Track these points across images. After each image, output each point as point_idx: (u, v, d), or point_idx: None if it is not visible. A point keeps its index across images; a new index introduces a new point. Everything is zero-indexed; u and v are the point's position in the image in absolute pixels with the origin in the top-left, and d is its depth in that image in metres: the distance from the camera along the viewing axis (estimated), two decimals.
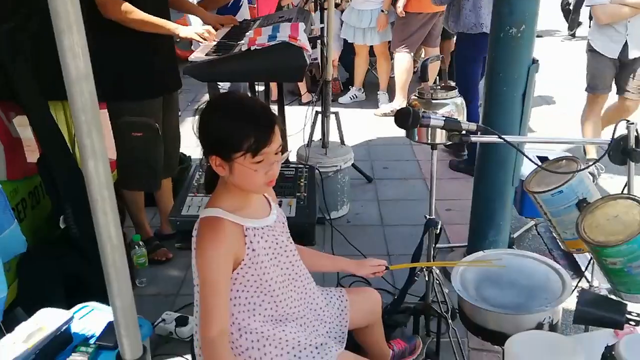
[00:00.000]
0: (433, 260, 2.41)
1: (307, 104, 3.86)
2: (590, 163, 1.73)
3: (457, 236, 3.41)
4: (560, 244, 1.97)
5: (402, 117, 1.71)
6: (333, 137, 3.88)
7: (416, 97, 2.19)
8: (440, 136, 2.06)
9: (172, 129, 3.24)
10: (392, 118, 5.01)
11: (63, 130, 2.92)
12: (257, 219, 1.65)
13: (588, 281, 2.12)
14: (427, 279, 2.42)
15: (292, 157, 3.77)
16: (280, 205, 2.44)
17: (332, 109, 3.91)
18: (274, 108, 3.42)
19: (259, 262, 1.61)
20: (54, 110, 2.89)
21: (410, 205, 3.86)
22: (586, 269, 1.87)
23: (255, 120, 1.52)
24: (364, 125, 5.41)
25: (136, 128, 2.98)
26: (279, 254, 1.69)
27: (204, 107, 1.59)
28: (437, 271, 2.44)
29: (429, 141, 2.09)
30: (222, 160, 1.54)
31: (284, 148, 3.24)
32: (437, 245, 3.19)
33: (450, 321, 2.39)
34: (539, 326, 1.80)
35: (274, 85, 4.19)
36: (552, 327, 1.85)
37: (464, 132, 1.69)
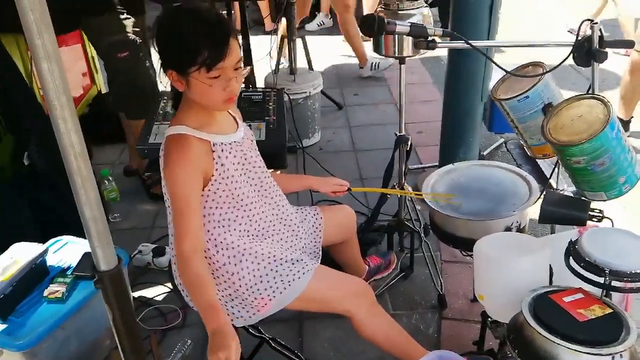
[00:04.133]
0: (404, 178, 2.44)
1: (271, 32, 3.76)
2: (555, 66, 1.73)
3: (429, 157, 3.45)
4: (527, 151, 2.00)
5: (367, 24, 1.68)
6: (301, 63, 3.82)
7: (382, 9, 2.14)
8: (408, 48, 2.04)
9: None
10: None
11: (18, 65, 2.81)
12: (224, 134, 1.63)
13: (553, 188, 2.18)
14: (399, 196, 2.47)
15: (260, 85, 3.71)
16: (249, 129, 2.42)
17: (301, 35, 3.83)
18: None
19: (229, 177, 1.60)
20: (7, 45, 2.77)
21: (382, 130, 3.87)
22: (551, 174, 1.92)
23: (209, 32, 1.46)
24: (332, 52, 5.32)
25: (119, 48, 2.89)
26: (248, 170, 1.68)
27: (159, 19, 1.52)
28: (409, 189, 2.48)
29: (396, 54, 2.06)
30: (178, 75, 1.50)
31: (246, 63, 3.19)
32: (410, 167, 3.26)
33: (423, 236, 2.46)
34: (507, 230, 1.86)
35: (237, 13, 4.05)
36: (520, 231, 1.92)
37: (430, 38, 1.67)
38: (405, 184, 2.44)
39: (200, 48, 1.44)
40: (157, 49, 1.52)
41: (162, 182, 1.61)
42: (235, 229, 1.67)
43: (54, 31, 0.91)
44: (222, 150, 1.59)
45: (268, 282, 1.67)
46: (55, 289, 1.99)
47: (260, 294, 1.67)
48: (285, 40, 3.70)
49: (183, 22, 1.49)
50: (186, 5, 1.52)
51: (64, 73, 0.95)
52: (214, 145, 1.58)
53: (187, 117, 1.58)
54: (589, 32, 1.67)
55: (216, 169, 1.58)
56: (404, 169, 2.39)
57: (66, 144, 0.98)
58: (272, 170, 2.49)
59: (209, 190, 1.60)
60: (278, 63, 3.65)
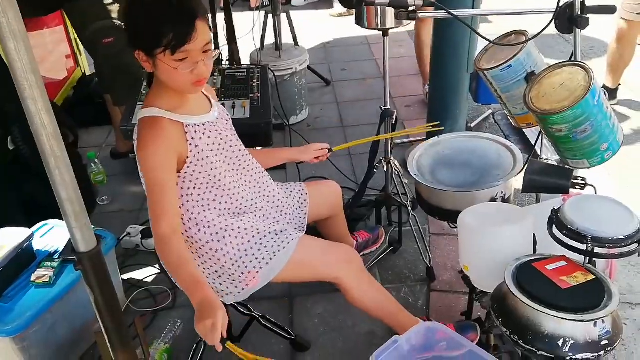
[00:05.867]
0: (391, 152, 2.44)
1: (257, 8, 3.70)
2: (536, 33, 1.71)
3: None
4: (511, 120, 2.00)
5: None
6: (287, 40, 3.78)
7: None
8: (391, 20, 2.01)
9: None
10: (349, 18, 4.84)
11: None
12: (197, 115, 1.61)
13: (538, 156, 2.18)
14: (385, 170, 2.46)
15: (246, 62, 3.67)
16: (233, 107, 2.40)
17: (285, 10, 3.77)
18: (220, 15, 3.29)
19: (204, 158, 1.59)
20: None
21: (370, 105, 3.85)
22: (535, 143, 1.92)
23: (175, 14, 1.43)
24: (319, 26, 5.26)
25: (105, 34, 2.85)
26: (224, 149, 1.67)
27: (129, 1, 1.50)
28: (396, 163, 2.47)
29: (379, 26, 2.04)
30: (145, 55, 1.48)
31: (230, 40, 3.17)
32: (397, 141, 3.25)
33: (410, 210, 2.46)
34: (492, 201, 1.87)
35: None
36: (505, 201, 1.92)
37: (411, 8, 1.65)
38: (392, 158, 2.43)
39: (164, 30, 1.41)
40: (126, 29, 1.50)
41: (138, 165, 1.59)
42: (215, 208, 1.66)
43: (18, 11, 0.89)
44: (196, 132, 1.58)
45: (253, 254, 1.68)
46: (43, 273, 1.99)
47: (247, 267, 1.67)
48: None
49: (150, 3, 1.46)
50: None
51: (32, 51, 0.92)
52: (186, 126, 1.56)
53: (158, 98, 1.56)
54: None
55: (190, 151, 1.57)
56: (390, 143, 2.39)
57: (38, 125, 0.96)
58: (260, 147, 2.49)
59: (185, 172, 1.59)
60: (263, 39, 3.61)
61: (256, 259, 1.67)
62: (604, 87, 3.61)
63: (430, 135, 2.91)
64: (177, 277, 1.50)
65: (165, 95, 1.56)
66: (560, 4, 1.65)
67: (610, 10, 1.70)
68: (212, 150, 1.62)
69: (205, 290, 1.39)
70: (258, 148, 2.32)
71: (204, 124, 1.61)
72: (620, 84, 3.62)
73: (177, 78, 1.49)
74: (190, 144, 1.56)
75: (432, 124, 2.13)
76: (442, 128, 2.09)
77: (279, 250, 1.68)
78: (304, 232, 1.88)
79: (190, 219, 1.64)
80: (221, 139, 1.66)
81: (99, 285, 1.14)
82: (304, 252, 1.72)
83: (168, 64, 1.45)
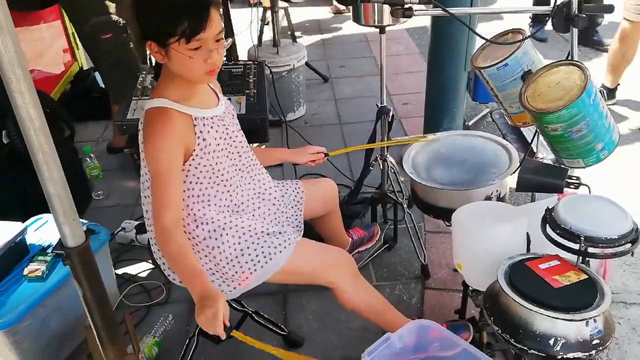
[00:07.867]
0: (387, 150, 2.43)
1: (255, 4, 3.69)
2: (534, 31, 1.70)
3: (414, 128, 3.44)
4: (507, 119, 1.99)
5: None
6: (285, 36, 3.77)
7: None
8: (388, 17, 2.00)
9: None
10: (348, 14, 4.82)
11: None
12: (205, 109, 1.60)
13: (534, 155, 2.17)
14: (381, 167, 2.45)
15: (244, 57, 3.66)
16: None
17: (283, 6, 3.76)
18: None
19: (210, 152, 1.58)
20: None
21: (368, 102, 3.83)
22: (532, 141, 1.90)
23: (189, 2, 1.42)
24: (319, 23, 5.25)
25: (104, 29, 2.85)
26: (229, 145, 1.66)
27: None
28: (392, 160, 2.46)
29: (376, 23, 2.03)
30: (157, 46, 1.47)
31: (227, 35, 3.16)
32: (394, 139, 3.24)
33: (406, 207, 2.45)
34: (487, 199, 1.86)
35: None
36: (500, 200, 1.92)
37: (407, 5, 1.64)
38: (388, 155, 2.43)
39: (179, 18, 1.40)
40: (136, 20, 1.49)
41: (141, 156, 1.59)
42: (215, 204, 1.65)
43: (6, 7, 0.88)
44: (204, 125, 1.57)
45: (249, 255, 1.67)
46: (36, 267, 1.98)
47: (242, 267, 1.66)
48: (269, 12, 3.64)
49: None
50: None
51: (19, 45, 0.92)
52: (195, 119, 1.55)
53: (167, 89, 1.55)
54: None
55: (198, 144, 1.55)
56: (386, 141, 2.38)
57: (25, 119, 0.96)
58: (257, 144, 2.48)
59: (190, 165, 1.58)
60: (261, 36, 3.59)
61: (252, 260, 1.66)
62: (603, 86, 3.60)
63: (427, 133, 2.91)
64: (177, 269, 1.48)
65: (174, 87, 1.55)
66: (557, 3, 1.63)
67: (608, 9, 1.69)
68: (218, 145, 1.61)
69: (205, 281, 1.39)
70: (254, 145, 2.31)
71: (212, 118, 1.60)
72: (619, 84, 3.61)
73: (191, 67, 1.48)
74: (198, 137, 1.55)
75: (428, 136, 2.13)
76: (438, 140, 2.09)
77: (274, 254, 1.67)
78: (302, 231, 1.87)
79: (188, 214, 1.63)
80: (227, 134, 1.65)
81: (88, 281, 1.14)
82: (300, 256, 1.70)
83: (183, 53, 1.44)
